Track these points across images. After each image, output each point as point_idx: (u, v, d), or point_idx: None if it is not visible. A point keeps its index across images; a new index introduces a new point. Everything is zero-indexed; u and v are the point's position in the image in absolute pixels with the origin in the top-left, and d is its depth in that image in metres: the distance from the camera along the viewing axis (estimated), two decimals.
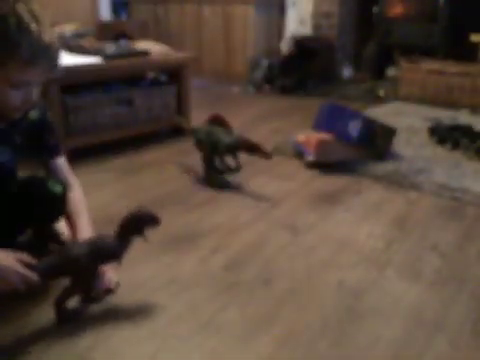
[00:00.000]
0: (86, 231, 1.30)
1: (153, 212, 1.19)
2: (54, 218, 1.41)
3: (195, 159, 2.06)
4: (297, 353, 1.08)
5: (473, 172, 2.17)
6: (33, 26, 1.08)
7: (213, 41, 4.68)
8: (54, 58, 1.15)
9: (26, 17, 1.08)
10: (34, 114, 1.32)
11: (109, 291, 1.23)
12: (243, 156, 1.96)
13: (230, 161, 1.98)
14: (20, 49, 1.07)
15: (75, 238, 1.29)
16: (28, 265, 1.08)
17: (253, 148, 1.91)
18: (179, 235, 1.60)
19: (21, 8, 1.09)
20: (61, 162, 1.41)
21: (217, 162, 1.99)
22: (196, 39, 4.79)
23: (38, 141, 1.37)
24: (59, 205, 1.33)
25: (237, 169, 1.96)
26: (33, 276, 1.07)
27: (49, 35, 1.11)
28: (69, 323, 1.15)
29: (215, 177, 2.00)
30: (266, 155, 1.91)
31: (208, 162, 1.99)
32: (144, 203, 1.80)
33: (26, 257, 1.10)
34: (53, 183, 1.33)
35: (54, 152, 1.40)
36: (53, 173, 1.39)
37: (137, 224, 1.18)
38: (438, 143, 2.56)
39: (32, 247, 1.32)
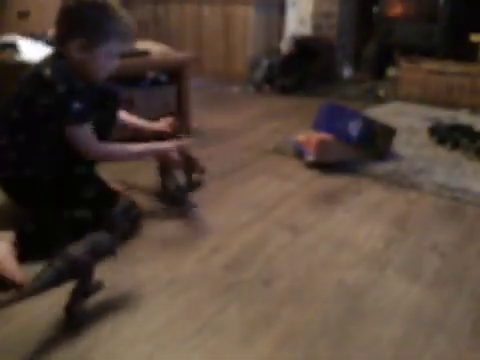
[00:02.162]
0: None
1: (131, 199, 1.33)
2: None
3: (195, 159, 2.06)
4: (297, 353, 1.08)
5: (473, 172, 2.17)
6: (121, 11, 1.52)
7: (213, 41, 4.68)
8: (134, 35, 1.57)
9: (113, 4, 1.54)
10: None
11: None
12: (243, 156, 1.96)
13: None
14: (121, 25, 1.51)
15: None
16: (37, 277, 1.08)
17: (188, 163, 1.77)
18: (179, 235, 1.60)
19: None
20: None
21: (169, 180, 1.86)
22: (196, 39, 4.80)
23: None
24: None
25: (193, 186, 1.82)
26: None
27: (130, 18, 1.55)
28: (78, 326, 1.15)
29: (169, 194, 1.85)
30: (200, 170, 1.79)
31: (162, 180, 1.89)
32: (144, 203, 1.80)
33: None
34: None
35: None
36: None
37: (124, 214, 1.28)
38: (438, 143, 2.56)
39: None
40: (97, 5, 1.49)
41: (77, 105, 1.48)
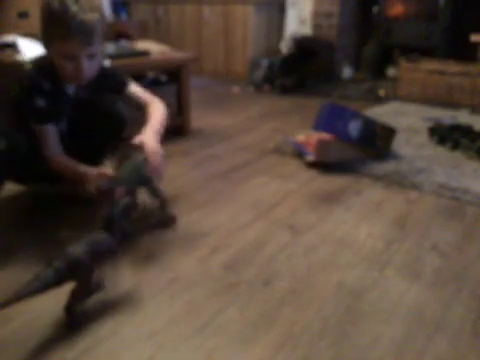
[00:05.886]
0: (147, 128, 1.61)
1: (133, 197, 1.32)
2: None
3: (194, 159, 2.07)
4: (297, 353, 1.08)
5: (473, 172, 2.17)
6: (72, 7, 1.38)
7: (213, 41, 4.68)
8: (87, 34, 1.41)
9: (69, 1, 1.39)
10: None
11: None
12: (243, 156, 1.96)
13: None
14: (59, 25, 1.39)
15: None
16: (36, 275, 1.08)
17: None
18: (179, 235, 1.60)
19: None
20: (132, 90, 1.76)
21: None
22: (196, 39, 4.80)
23: (107, 89, 1.72)
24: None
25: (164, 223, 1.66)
26: None
27: (84, 15, 1.39)
28: (78, 326, 1.15)
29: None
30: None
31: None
32: (143, 202, 1.80)
33: None
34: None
35: (120, 88, 1.74)
36: (131, 100, 1.75)
37: (124, 214, 1.26)
38: (438, 143, 2.56)
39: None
40: (49, 6, 1.43)
41: (40, 102, 1.51)
